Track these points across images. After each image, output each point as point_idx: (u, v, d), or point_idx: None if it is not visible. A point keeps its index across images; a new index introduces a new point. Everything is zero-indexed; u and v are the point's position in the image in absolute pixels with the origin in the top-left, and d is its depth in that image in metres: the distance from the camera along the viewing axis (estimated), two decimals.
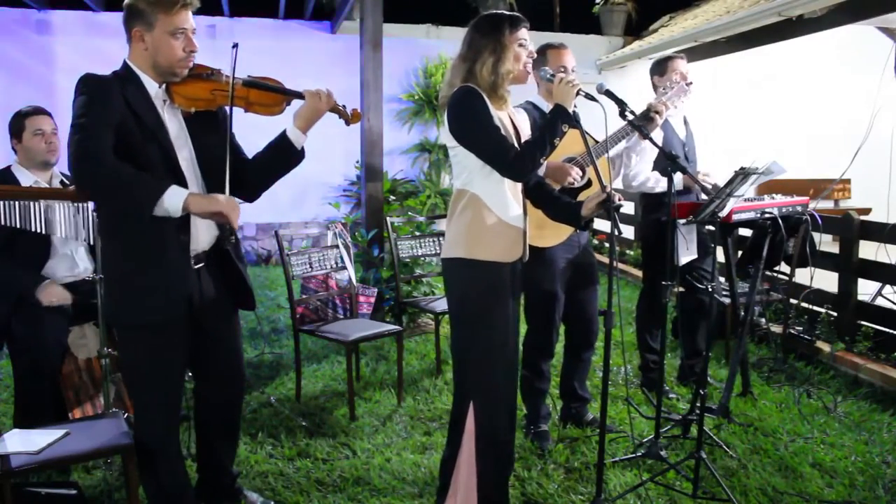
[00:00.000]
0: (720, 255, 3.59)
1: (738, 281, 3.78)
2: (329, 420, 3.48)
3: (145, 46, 2.09)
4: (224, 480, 2.56)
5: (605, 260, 3.59)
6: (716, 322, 4.32)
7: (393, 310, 4.81)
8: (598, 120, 2.41)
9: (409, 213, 5.83)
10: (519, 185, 2.40)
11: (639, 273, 6.69)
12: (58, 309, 2.98)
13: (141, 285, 2.12)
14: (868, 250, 4.22)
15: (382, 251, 4.97)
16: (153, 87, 2.14)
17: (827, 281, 4.37)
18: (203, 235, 2.23)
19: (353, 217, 6.70)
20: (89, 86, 2.04)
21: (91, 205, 2.69)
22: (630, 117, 2.51)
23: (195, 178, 2.21)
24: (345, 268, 4.01)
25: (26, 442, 2.19)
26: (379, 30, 4.95)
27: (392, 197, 6.18)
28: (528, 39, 2.34)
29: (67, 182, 3.18)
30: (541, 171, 2.92)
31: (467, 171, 2.32)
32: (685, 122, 3.85)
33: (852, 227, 4.19)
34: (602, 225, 2.61)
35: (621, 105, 2.49)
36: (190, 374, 2.57)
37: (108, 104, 2.01)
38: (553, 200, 2.50)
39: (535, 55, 2.40)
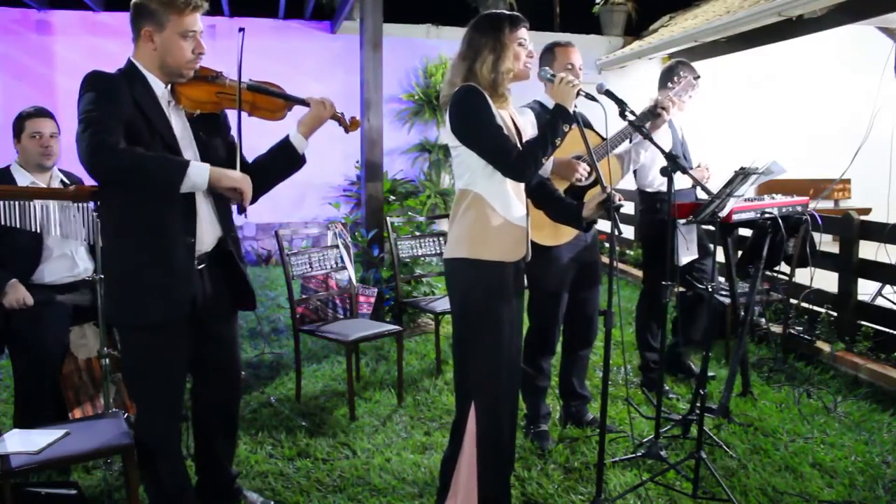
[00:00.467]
0: (720, 256, 3.60)
1: (738, 281, 3.78)
2: (329, 420, 3.48)
3: (154, 47, 2.10)
4: (223, 480, 2.56)
5: (605, 260, 3.60)
6: (715, 322, 4.34)
7: (393, 310, 4.81)
8: (599, 120, 2.42)
9: (409, 213, 5.82)
10: (521, 185, 2.40)
11: (639, 273, 6.70)
12: (58, 309, 2.98)
13: (146, 285, 2.12)
14: (868, 250, 4.22)
15: (382, 251, 4.97)
16: (159, 87, 2.15)
17: (827, 281, 4.37)
18: (207, 236, 2.24)
19: (353, 217, 6.70)
20: (97, 82, 2.04)
21: (91, 205, 2.69)
22: (630, 117, 2.51)
23: None
24: (345, 268, 4.01)
25: (26, 442, 2.19)
26: (379, 30, 4.95)
27: (392, 197, 6.18)
28: (527, 38, 2.34)
29: (67, 182, 3.18)
30: (549, 167, 2.94)
31: (470, 171, 2.32)
32: (674, 125, 3.88)
33: (852, 227, 4.19)
34: (602, 225, 2.61)
35: (621, 105, 2.49)
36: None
37: (117, 101, 2.02)
38: (554, 201, 2.50)
39: (536, 53, 2.39)
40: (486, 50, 2.28)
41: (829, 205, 8.27)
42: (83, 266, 3.16)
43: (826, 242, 3.96)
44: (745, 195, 3.17)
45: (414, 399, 3.75)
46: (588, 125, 3.12)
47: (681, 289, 3.74)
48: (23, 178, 3.05)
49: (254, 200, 2.40)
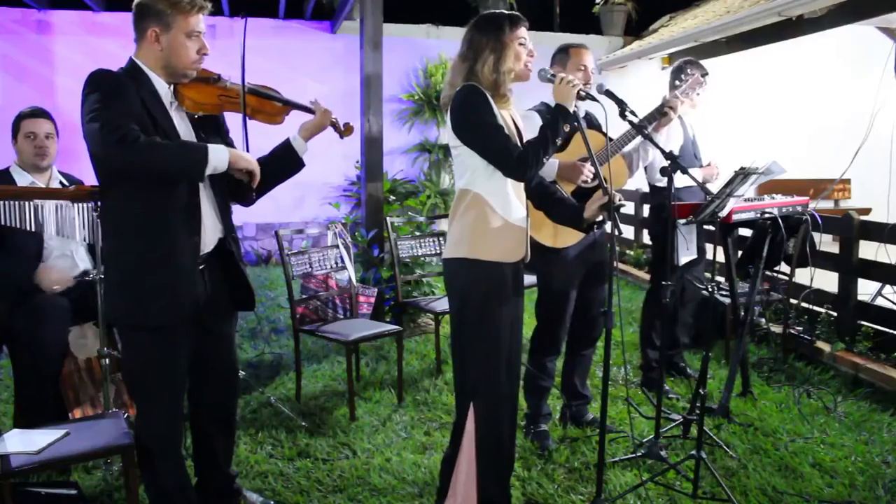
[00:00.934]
0: (719, 256, 3.59)
1: (738, 281, 3.79)
2: (329, 420, 3.48)
3: (161, 47, 2.11)
4: (222, 480, 2.56)
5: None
6: (715, 322, 4.35)
7: (393, 310, 4.81)
8: (598, 119, 2.42)
9: (409, 213, 5.82)
10: (522, 186, 2.40)
11: (639, 273, 6.70)
12: (58, 309, 2.98)
13: (150, 286, 2.12)
14: (868, 250, 4.22)
15: (382, 251, 4.97)
16: (163, 87, 2.16)
17: (827, 281, 4.37)
18: (209, 236, 2.24)
19: (353, 217, 6.70)
20: (104, 81, 2.04)
21: (90, 205, 2.69)
22: (630, 117, 2.51)
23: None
24: (345, 268, 4.01)
25: (26, 442, 2.19)
26: (379, 30, 4.95)
27: (392, 197, 6.18)
28: (527, 38, 2.34)
29: (66, 183, 3.18)
30: (554, 170, 2.94)
31: (470, 170, 2.32)
32: (689, 123, 3.90)
33: (852, 227, 4.19)
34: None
35: (621, 105, 2.49)
36: None
37: (126, 98, 2.02)
38: (555, 202, 2.50)
39: (537, 53, 2.39)
40: (487, 50, 2.28)
41: (829, 205, 8.27)
42: (83, 266, 3.16)
43: (826, 242, 3.97)
44: (745, 195, 3.17)
45: (414, 399, 3.75)
46: (597, 127, 3.13)
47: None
48: (22, 179, 3.05)
49: (252, 201, 2.42)
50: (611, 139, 3.10)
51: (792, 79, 8.17)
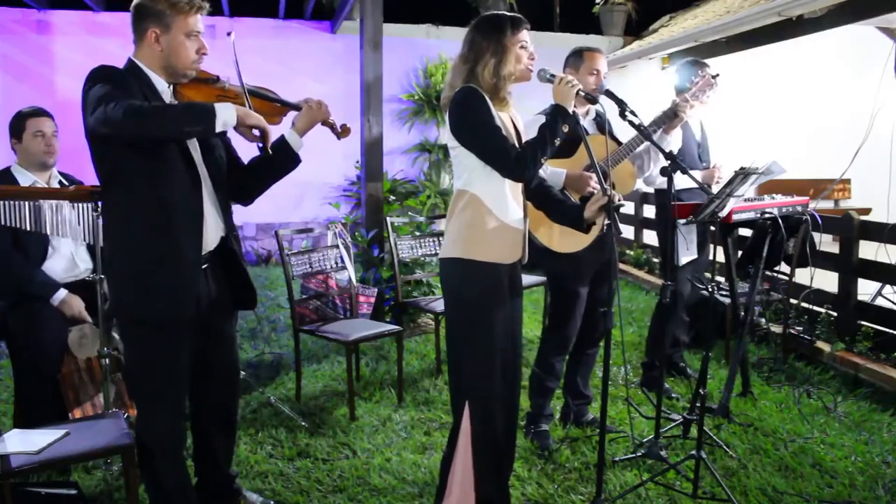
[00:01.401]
0: (719, 256, 3.59)
1: (738, 281, 3.79)
2: (329, 420, 3.48)
3: (160, 48, 2.11)
4: (222, 480, 2.56)
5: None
6: (715, 322, 4.35)
7: (393, 310, 4.81)
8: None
9: (409, 213, 5.82)
10: (520, 187, 2.40)
11: (639, 273, 6.70)
12: (57, 309, 2.98)
13: (153, 285, 2.12)
14: (868, 250, 4.22)
15: (382, 251, 4.97)
16: (162, 86, 2.16)
17: (827, 281, 4.37)
18: (211, 234, 2.24)
19: (353, 217, 6.70)
20: (107, 74, 2.05)
21: (90, 205, 2.69)
22: (630, 117, 2.51)
23: (204, 177, 2.22)
24: (345, 268, 4.01)
25: (26, 442, 2.19)
26: (379, 30, 4.95)
27: (392, 197, 6.18)
28: (529, 40, 2.34)
29: (66, 182, 3.18)
30: (561, 180, 2.95)
31: (468, 171, 2.33)
32: (701, 124, 3.89)
33: (852, 227, 4.19)
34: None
35: (621, 105, 2.49)
36: None
37: (129, 90, 2.03)
38: (555, 202, 2.50)
39: (537, 54, 2.39)
40: (488, 53, 2.28)
41: (829, 205, 8.26)
42: (83, 266, 3.16)
43: (826, 242, 3.97)
44: (745, 195, 3.17)
45: (414, 399, 3.75)
46: (609, 132, 3.13)
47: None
48: (24, 179, 3.05)
49: (251, 200, 2.43)
50: (620, 143, 3.11)
51: (792, 79, 8.16)
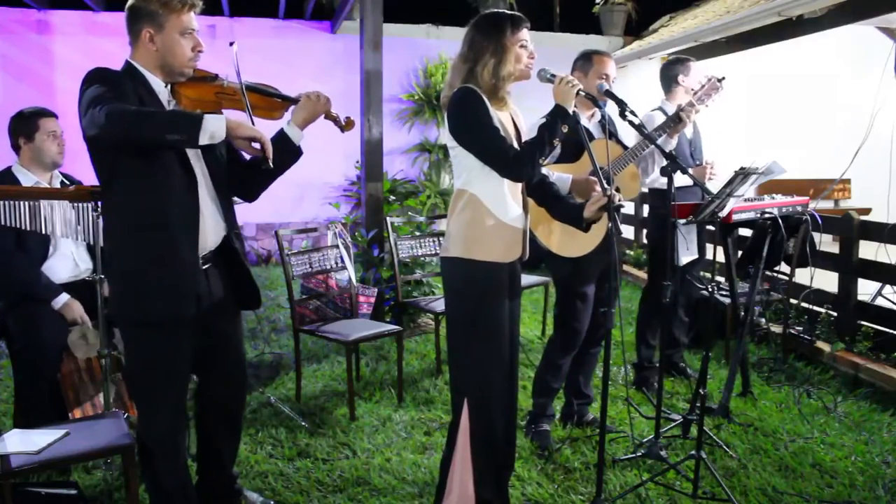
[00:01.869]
0: (719, 256, 3.60)
1: (738, 281, 3.79)
2: (329, 420, 3.48)
3: (155, 47, 2.11)
4: (225, 481, 2.55)
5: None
6: (715, 322, 4.35)
7: (393, 310, 4.81)
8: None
9: (409, 213, 5.83)
10: (519, 186, 2.40)
11: (639, 273, 6.70)
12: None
13: (151, 284, 2.12)
14: (868, 250, 4.22)
15: (382, 251, 4.97)
16: (159, 86, 2.16)
17: (827, 281, 4.37)
18: (211, 234, 2.24)
19: (353, 217, 6.70)
20: (101, 76, 2.05)
21: (91, 204, 2.69)
22: (630, 117, 2.52)
23: (203, 176, 2.22)
24: (345, 268, 4.01)
25: (26, 442, 2.19)
26: (379, 30, 4.95)
27: (392, 197, 6.18)
28: (529, 40, 2.34)
29: (67, 182, 3.18)
30: (567, 186, 2.95)
31: (467, 171, 2.33)
32: (693, 122, 3.89)
33: (852, 227, 4.19)
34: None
35: (621, 105, 2.49)
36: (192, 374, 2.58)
37: (121, 90, 2.02)
38: (556, 200, 2.50)
39: (537, 53, 2.39)
40: (488, 53, 2.28)
41: (829, 205, 8.27)
42: (83, 266, 3.16)
43: (826, 242, 3.97)
44: (745, 195, 3.18)
45: (414, 399, 3.75)
46: (613, 135, 3.14)
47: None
48: (26, 179, 3.05)
49: (254, 197, 2.41)
50: (625, 147, 3.12)
51: (792, 79, 8.17)
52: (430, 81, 8.07)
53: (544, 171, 2.56)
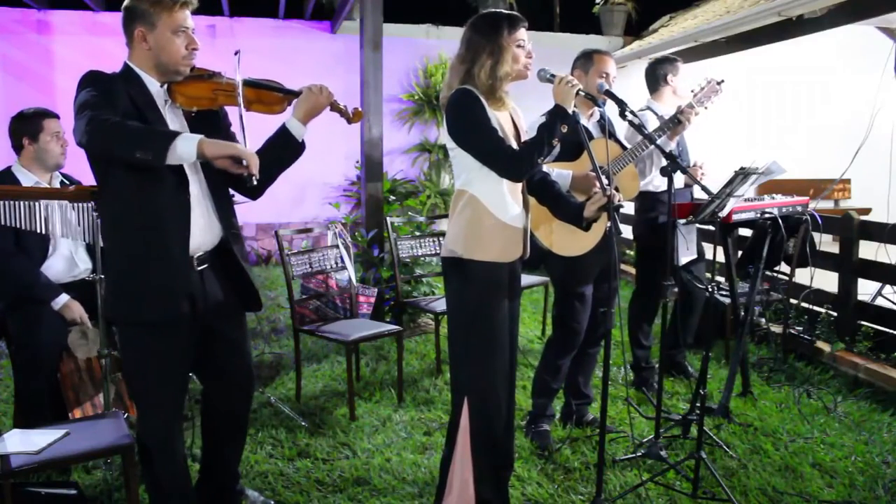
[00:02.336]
0: (719, 256, 3.60)
1: (738, 281, 3.79)
2: (329, 420, 3.48)
3: (148, 47, 2.10)
4: (227, 481, 2.55)
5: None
6: (715, 322, 4.35)
7: (393, 310, 4.81)
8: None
9: (409, 213, 5.83)
10: (519, 185, 2.40)
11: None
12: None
13: (142, 283, 2.12)
14: (868, 250, 4.22)
15: (382, 251, 4.97)
16: (154, 86, 2.15)
17: (827, 281, 4.37)
18: (206, 235, 2.23)
19: (353, 217, 6.70)
20: (93, 80, 2.05)
21: (91, 204, 2.69)
22: (630, 117, 2.52)
23: (197, 177, 2.21)
24: (345, 268, 4.01)
25: (26, 442, 2.19)
26: (379, 30, 4.95)
27: (392, 197, 6.18)
28: (526, 39, 2.33)
29: (67, 182, 3.18)
30: (568, 182, 2.95)
31: (466, 171, 2.33)
32: None
33: (852, 227, 4.19)
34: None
35: (621, 105, 2.49)
36: (192, 375, 2.57)
37: (112, 94, 2.02)
38: (556, 198, 2.50)
39: (535, 53, 2.39)
40: (485, 54, 2.27)
41: (829, 205, 8.26)
42: (83, 266, 3.16)
43: (826, 242, 3.97)
44: (745, 195, 3.18)
45: (414, 399, 3.75)
46: (612, 135, 3.13)
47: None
48: (26, 179, 3.05)
49: (258, 194, 2.38)
50: (624, 147, 3.12)
51: (792, 79, 8.17)
52: (430, 81, 8.07)
53: (545, 168, 2.56)
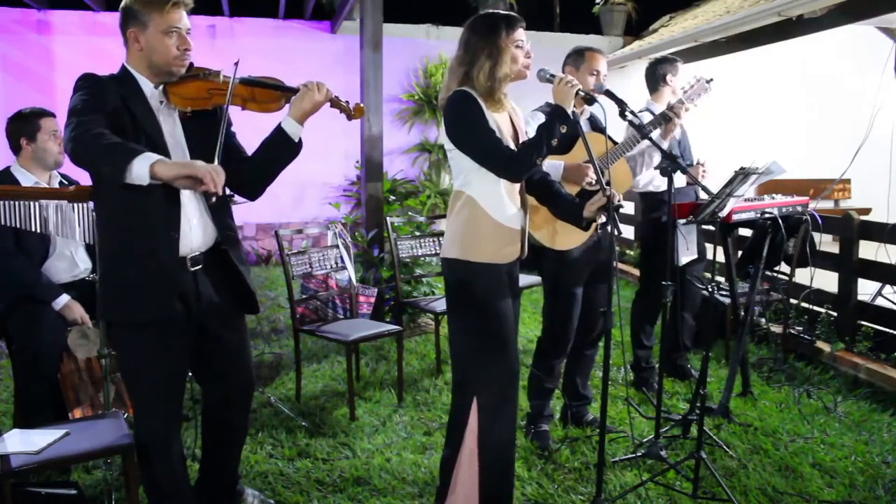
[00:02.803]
0: (719, 256, 3.60)
1: (738, 281, 3.79)
2: (329, 420, 3.48)
3: (140, 47, 2.10)
4: (226, 482, 2.55)
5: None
6: (715, 322, 4.35)
7: (393, 310, 4.81)
8: (601, 120, 2.41)
9: (409, 213, 5.83)
10: (517, 185, 2.40)
11: (639, 273, 6.70)
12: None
13: (132, 283, 2.12)
14: (868, 250, 4.22)
15: (382, 251, 4.97)
16: (148, 87, 2.15)
17: (827, 281, 4.37)
18: (200, 236, 2.21)
19: (353, 217, 6.70)
20: (85, 82, 2.06)
21: (91, 204, 2.69)
22: (630, 117, 2.51)
23: None
24: (345, 268, 4.01)
25: (26, 442, 2.19)
26: (379, 30, 4.95)
27: (392, 197, 6.18)
28: (525, 40, 2.33)
29: (66, 182, 3.18)
30: (559, 172, 2.95)
31: (464, 172, 2.33)
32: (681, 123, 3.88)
33: (852, 227, 4.19)
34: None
35: (621, 105, 2.49)
36: (191, 375, 2.57)
37: (101, 96, 2.03)
38: (556, 197, 2.49)
39: (534, 53, 2.39)
40: (483, 56, 2.27)
41: (829, 205, 8.26)
42: (83, 266, 3.16)
43: (826, 242, 3.97)
44: (745, 195, 3.17)
45: (414, 399, 3.75)
46: (601, 130, 3.13)
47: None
48: (26, 179, 3.05)
49: (257, 194, 2.37)
50: (615, 143, 3.11)
51: (792, 79, 8.17)
52: (430, 81, 8.08)
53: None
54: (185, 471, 2.37)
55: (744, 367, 3.73)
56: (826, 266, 4.28)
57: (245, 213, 7.01)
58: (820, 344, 4.26)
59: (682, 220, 3.24)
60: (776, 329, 4.51)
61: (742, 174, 2.88)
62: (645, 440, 3.12)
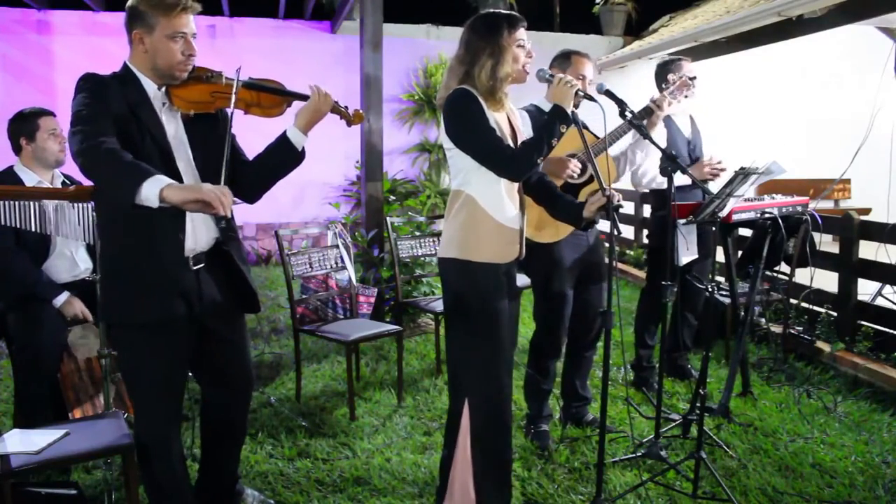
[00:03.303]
0: (719, 256, 3.60)
1: (738, 281, 3.79)
2: (329, 420, 3.48)
3: (145, 49, 2.10)
4: (226, 482, 2.55)
5: (605, 260, 3.61)
6: (715, 322, 4.35)
7: (393, 310, 4.81)
8: (597, 120, 2.42)
9: (409, 213, 5.83)
10: (516, 185, 2.39)
11: (639, 273, 6.70)
12: (56, 309, 2.98)
13: (135, 283, 2.11)
14: (868, 250, 4.22)
15: (382, 251, 4.98)
16: (151, 88, 2.14)
17: (827, 281, 4.37)
18: (202, 236, 2.22)
19: (353, 217, 6.70)
20: (88, 83, 2.05)
21: (91, 204, 2.69)
22: (630, 117, 2.51)
23: (193, 179, 2.20)
24: (345, 268, 4.01)
25: (26, 442, 2.19)
26: (379, 30, 4.95)
27: (392, 197, 6.19)
28: (526, 39, 2.33)
29: (68, 182, 3.18)
30: (541, 164, 2.94)
31: (463, 171, 2.33)
32: (692, 120, 3.89)
33: (852, 227, 4.19)
34: (602, 224, 2.66)
35: (621, 105, 2.49)
36: (191, 375, 2.57)
37: (105, 98, 2.02)
38: (555, 198, 2.49)
39: (535, 53, 2.39)
40: (485, 55, 2.26)
41: (829, 205, 8.27)
42: (83, 266, 3.16)
43: (826, 242, 3.97)
44: (745, 195, 3.17)
45: (414, 399, 3.75)
46: (585, 126, 3.12)
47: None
48: (29, 178, 3.05)
49: (255, 198, 2.39)
50: (597, 137, 3.10)
51: (792, 78, 8.17)
52: (430, 81, 8.08)
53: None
54: (185, 471, 2.37)
55: (744, 367, 3.73)
56: (826, 266, 4.29)
57: (245, 213, 7.00)
58: (820, 344, 4.26)
59: (682, 220, 3.24)
60: (776, 329, 4.51)
61: (742, 174, 2.88)
62: (645, 440, 3.12)
